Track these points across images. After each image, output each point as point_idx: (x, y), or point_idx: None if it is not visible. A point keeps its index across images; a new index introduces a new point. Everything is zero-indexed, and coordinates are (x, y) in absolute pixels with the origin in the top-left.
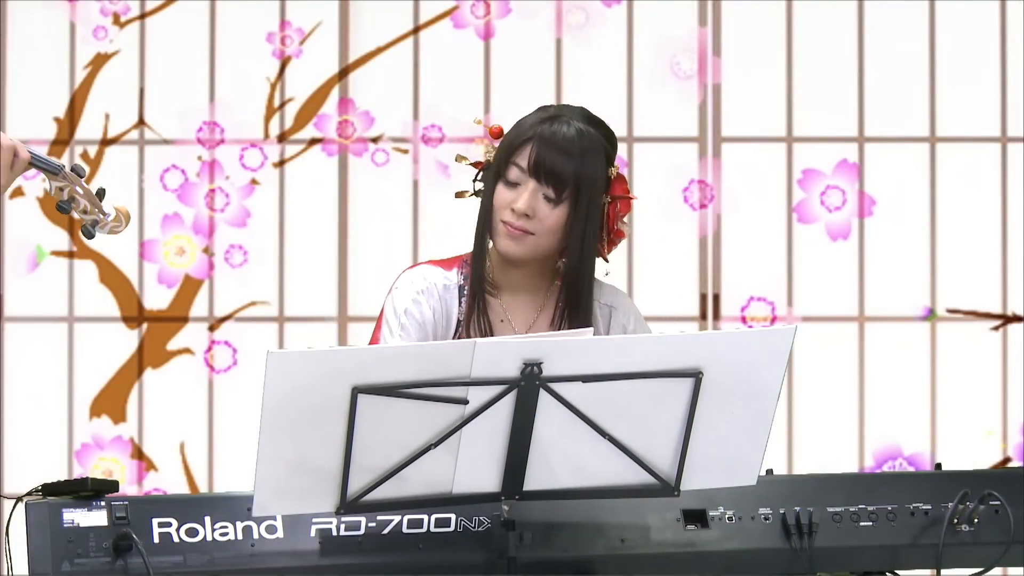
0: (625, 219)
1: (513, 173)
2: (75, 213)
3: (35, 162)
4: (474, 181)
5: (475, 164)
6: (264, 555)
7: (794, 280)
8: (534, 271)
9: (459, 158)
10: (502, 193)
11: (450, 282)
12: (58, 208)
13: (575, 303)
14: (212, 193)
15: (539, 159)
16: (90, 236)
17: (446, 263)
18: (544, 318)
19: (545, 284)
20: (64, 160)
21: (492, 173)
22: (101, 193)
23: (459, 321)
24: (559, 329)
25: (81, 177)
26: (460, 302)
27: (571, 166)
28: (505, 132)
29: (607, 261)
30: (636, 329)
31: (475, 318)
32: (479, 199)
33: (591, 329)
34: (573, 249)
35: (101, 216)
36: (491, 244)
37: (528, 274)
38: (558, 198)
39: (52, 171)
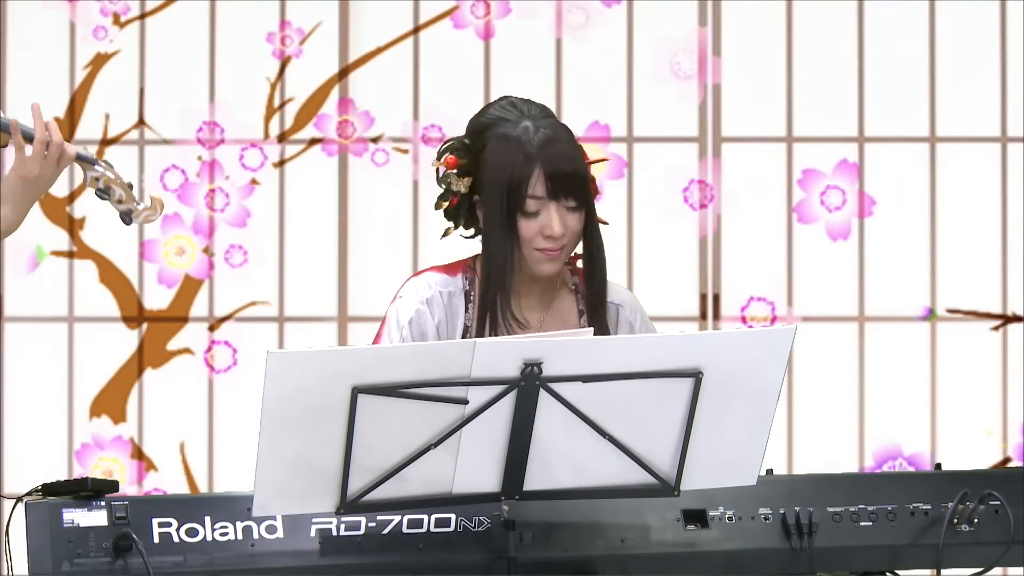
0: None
1: (531, 205)
2: (111, 202)
3: (78, 156)
4: (455, 216)
5: (451, 199)
6: (264, 555)
7: (794, 280)
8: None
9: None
10: (527, 227)
11: (456, 288)
12: (97, 195)
13: (598, 293)
14: (212, 193)
15: (555, 183)
16: (128, 223)
17: (450, 268)
18: (554, 314)
19: (553, 278)
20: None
21: (500, 214)
22: (131, 185)
23: (466, 327)
24: (578, 324)
25: (113, 168)
26: (467, 308)
27: (578, 172)
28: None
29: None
30: (642, 327)
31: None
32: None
33: (591, 329)
34: (594, 242)
35: (135, 205)
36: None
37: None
38: (579, 204)
39: (90, 163)
